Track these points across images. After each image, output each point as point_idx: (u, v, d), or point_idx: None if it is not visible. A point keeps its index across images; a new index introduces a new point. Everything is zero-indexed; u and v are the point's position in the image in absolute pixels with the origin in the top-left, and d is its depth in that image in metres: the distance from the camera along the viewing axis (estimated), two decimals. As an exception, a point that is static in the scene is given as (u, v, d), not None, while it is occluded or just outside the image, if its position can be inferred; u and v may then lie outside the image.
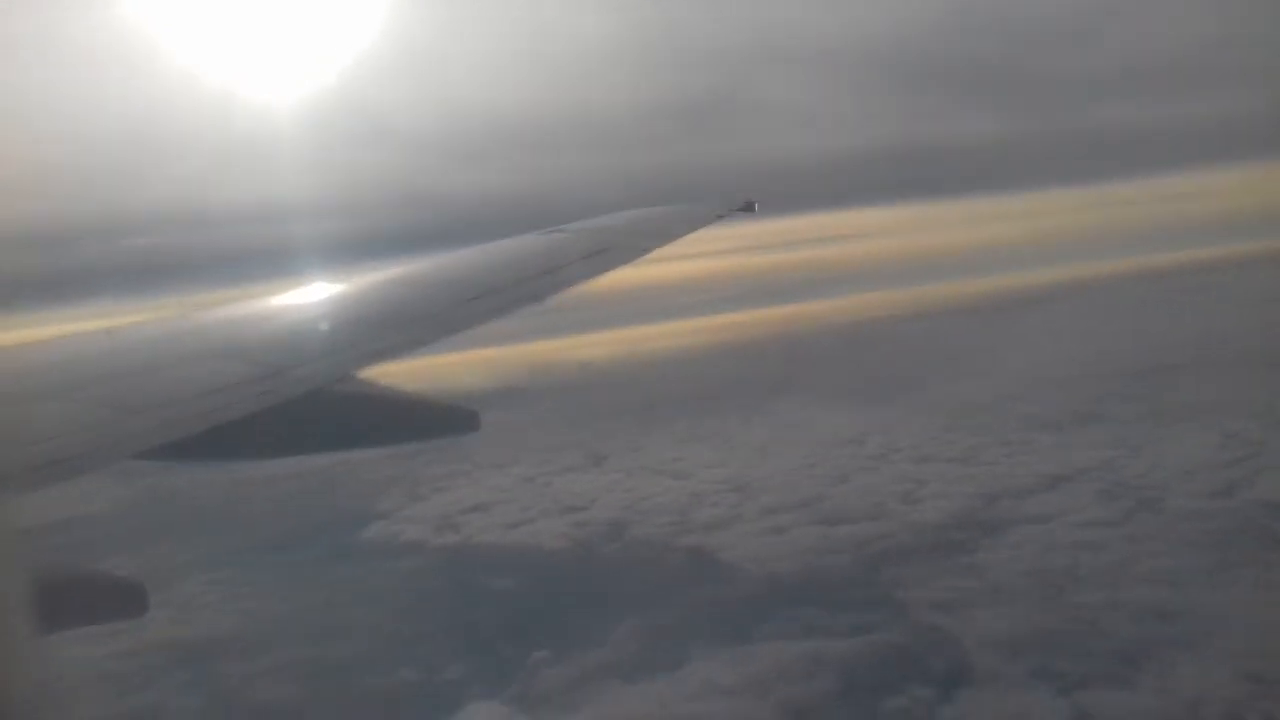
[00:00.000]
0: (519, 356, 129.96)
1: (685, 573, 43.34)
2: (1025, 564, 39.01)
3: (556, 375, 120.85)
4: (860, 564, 41.35)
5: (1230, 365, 67.09)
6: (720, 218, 8.74)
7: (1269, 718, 26.39)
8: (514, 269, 6.93)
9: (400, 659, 36.77)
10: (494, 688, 34.46)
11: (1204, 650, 29.88)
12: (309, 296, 6.88)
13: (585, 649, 36.74)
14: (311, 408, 4.82)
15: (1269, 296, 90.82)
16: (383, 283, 6.84)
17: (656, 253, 7.64)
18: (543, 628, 38.35)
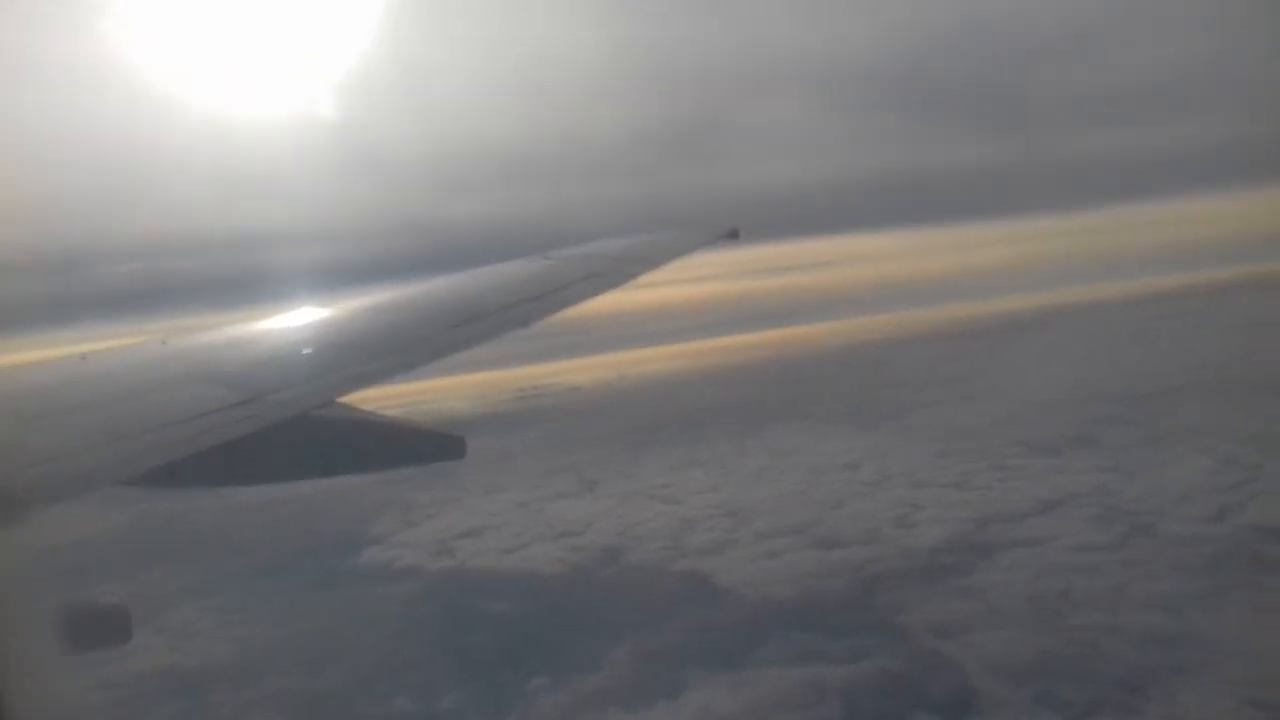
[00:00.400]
0: (509, 381, 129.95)
1: (682, 598, 43.15)
2: (1022, 589, 38.95)
3: (546, 400, 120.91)
4: (857, 588, 41.24)
5: (1222, 390, 67.44)
6: (705, 245, 8.79)
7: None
8: (500, 294, 6.90)
9: (398, 686, 36.43)
10: (493, 717, 34.12)
11: (1208, 677, 29.78)
12: (293, 321, 6.83)
13: (584, 675, 36.51)
14: (294, 434, 4.75)
15: (1260, 321, 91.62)
16: (369, 308, 6.80)
17: (643, 279, 7.68)
18: (540, 653, 38.10)
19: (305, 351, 5.98)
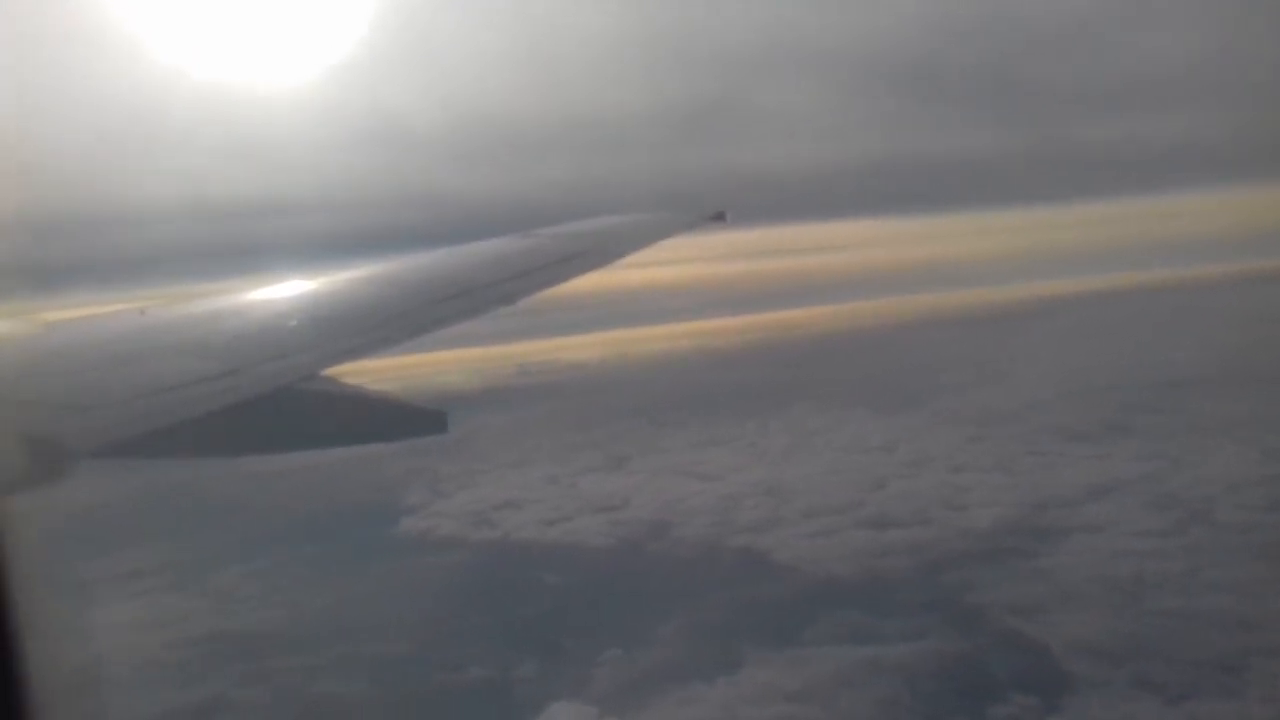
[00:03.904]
0: (505, 358, 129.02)
1: (735, 574, 42.76)
2: (1092, 572, 38.73)
3: (550, 377, 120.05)
4: (921, 569, 40.91)
5: (1249, 381, 67.26)
6: (691, 227, 8.75)
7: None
8: (485, 271, 6.94)
9: (469, 656, 35.77)
10: (570, 686, 33.59)
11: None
12: (280, 294, 6.81)
13: (649, 648, 36.17)
14: (275, 406, 4.72)
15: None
16: (355, 281, 6.79)
17: (634, 258, 7.70)
18: (605, 625, 37.66)
19: (290, 324, 5.91)
